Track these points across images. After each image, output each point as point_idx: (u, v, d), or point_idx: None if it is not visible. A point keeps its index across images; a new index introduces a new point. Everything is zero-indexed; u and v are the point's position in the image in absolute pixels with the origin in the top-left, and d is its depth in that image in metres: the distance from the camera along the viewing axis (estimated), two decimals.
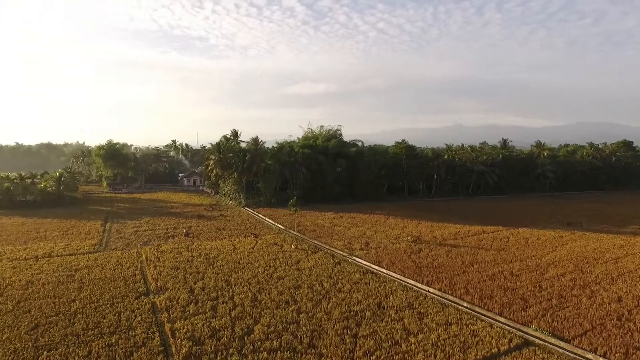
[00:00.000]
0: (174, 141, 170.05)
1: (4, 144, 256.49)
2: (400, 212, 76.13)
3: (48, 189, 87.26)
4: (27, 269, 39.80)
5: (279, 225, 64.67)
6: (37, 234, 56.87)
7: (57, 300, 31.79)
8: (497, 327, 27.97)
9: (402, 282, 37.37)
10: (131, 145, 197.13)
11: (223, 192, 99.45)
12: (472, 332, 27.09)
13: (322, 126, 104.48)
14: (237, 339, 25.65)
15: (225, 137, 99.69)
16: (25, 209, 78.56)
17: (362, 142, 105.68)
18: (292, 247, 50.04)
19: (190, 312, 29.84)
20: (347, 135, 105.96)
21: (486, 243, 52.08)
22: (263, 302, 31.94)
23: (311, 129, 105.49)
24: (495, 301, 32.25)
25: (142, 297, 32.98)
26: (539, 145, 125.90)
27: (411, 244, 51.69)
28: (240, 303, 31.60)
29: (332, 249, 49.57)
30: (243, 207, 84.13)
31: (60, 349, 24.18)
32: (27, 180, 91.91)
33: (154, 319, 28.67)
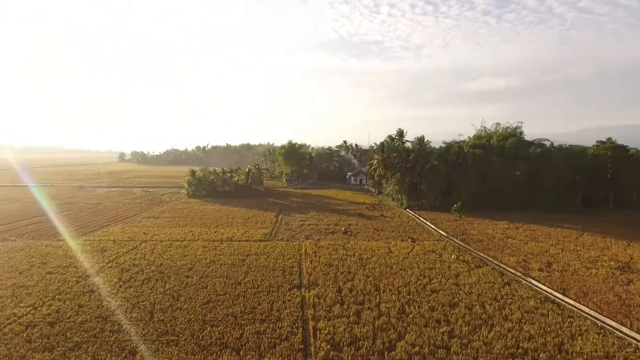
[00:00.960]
0: (345, 142, 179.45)
1: (217, 144, 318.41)
2: (600, 229, 60.56)
3: (240, 182, 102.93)
4: (212, 250, 46.80)
5: (440, 231, 59.68)
6: (226, 220, 67.08)
7: (227, 280, 35.97)
8: None
9: (597, 321, 28.70)
10: (309, 146, 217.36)
11: (385, 192, 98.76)
12: None
13: (498, 123, 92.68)
14: (376, 353, 23.66)
15: (390, 136, 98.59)
16: (223, 198, 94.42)
17: (551, 142, 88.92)
18: (453, 257, 44.99)
19: (335, 313, 29.31)
20: (530, 134, 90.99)
21: None
22: (411, 315, 29.02)
23: (484, 127, 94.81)
24: None
25: (295, 289, 34.32)
26: None
27: (615, 271, 39.93)
28: (386, 312, 29.48)
29: (502, 265, 42.43)
30: (404, 209, 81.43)
31: (220, 327, 26.81)
32: (227, 174, 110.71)
33: (300, 314, 29.23)
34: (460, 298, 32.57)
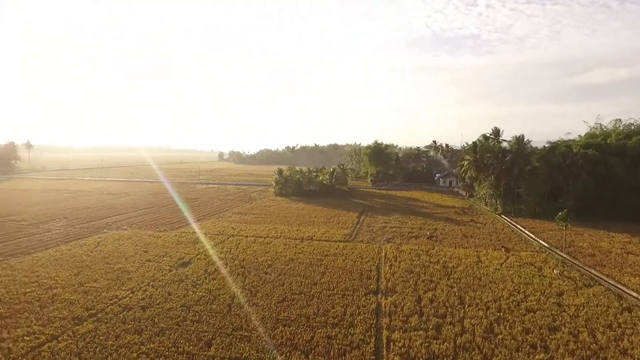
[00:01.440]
0: (434, 141, 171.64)
1: (306, 144, 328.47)
2: None
3: (324, 182, 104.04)
4: (292, 248, 47.46)
5: (540, 241, 52.99)
6: (308, 218, 67.97)
7: (303, 280, 35.93)
8: None
9: None
10: (396, 146, 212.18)
11: (477, 195, 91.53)
12: None
13: (619, 120, 79.86)
14: None
15: (484, 135, 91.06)
16: (307, 197, 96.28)
17: None
18: (555, 272, 39.37)
19: (412, 324, 27.27)
20: None
21: None
22: (500, 336, 25.73)
23: (600, 125, 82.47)
24: None
25: (371, 295, 32.91)
26: None
27: None
28: (470, 330, 26.59)
29: (620, 286, 35.90)
30: (498, 215, 74.37)
31: (292, 327, 26.64)
32: (312, 173, 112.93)
33: (374, 322, 27.77)
34: (562, 321, 28.11)
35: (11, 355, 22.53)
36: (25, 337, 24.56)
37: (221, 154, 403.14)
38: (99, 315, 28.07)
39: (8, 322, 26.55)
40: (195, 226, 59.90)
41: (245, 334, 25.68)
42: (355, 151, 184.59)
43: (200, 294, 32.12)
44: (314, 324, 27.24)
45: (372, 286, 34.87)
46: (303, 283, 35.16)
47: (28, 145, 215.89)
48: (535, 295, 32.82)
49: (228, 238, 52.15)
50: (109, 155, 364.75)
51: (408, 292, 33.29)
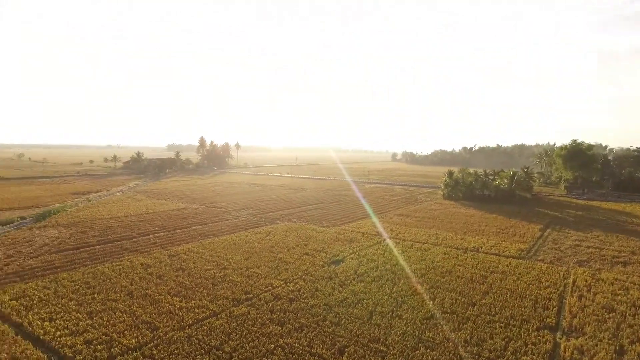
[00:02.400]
0: None
1: (485, 145, 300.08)
2: None
3: (501, 186, 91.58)
4: (452, 258, 42.54)
5: None
6: (477, 226, 60.45)
7: (459, 297, 31.31)
8: None
9: None
10: (605, 146, 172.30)
11: None
12: None
13: None
14: None
15: None
16: (480, 202, 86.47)
17: None
18: None
19: None
20: None
21: None
22: None
23: None
24: None
25: (546, 330, 26.13)
26: None
27: None
28: None
29: None
30: None
31: (435, 352, 23.09)
32: (489, 177, 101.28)
33: None
34: None
35: (182, 323, 26.31)
36: (195, 309, 28.44)
37: (394, 155, 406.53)
38: (254, 300, 30.43)
39: (187, 294, 31.41)
40: (355, 225, 60.63)
41: (382, 348, 23.54)
42: (547, 152, 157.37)
43: (345, 294, 31.49)
44: (463, 353, 23.02)
45: (549, 320, 27.75)
46: (458, 301, 30.65)
47: (237, 146, 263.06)
48: None
49: (384, 240, 50.63)
50: (300, 155, 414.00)
51: (604, 338, 25.07)
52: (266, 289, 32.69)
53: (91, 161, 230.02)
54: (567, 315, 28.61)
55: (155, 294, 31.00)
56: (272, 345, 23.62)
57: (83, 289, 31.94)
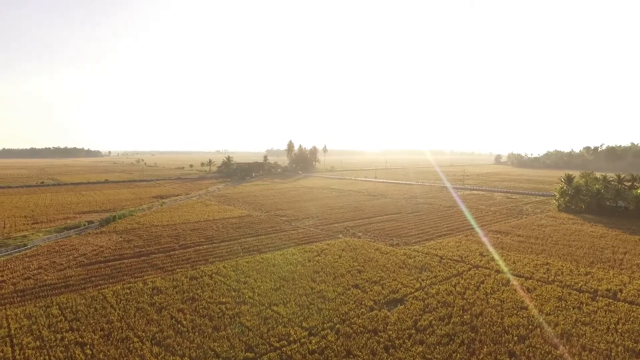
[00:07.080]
0: None
1: (615, 144, 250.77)
2: None
3: None
4: (573, 310, 28.26)
5: None
6: (612, 255, 43.22)
7: None
8: None
9: None
10: None
11: None
12: None
13: None
14: None
15: None
16: (612, 217, 65.89)
17: None
18: None
19: None
20: None
21: None
22: None
23: None
24: None
25: None
26: None
27: None
28: None
29: None
30: None
31: None
32: (624, 183, 78.42)
33: None
34: None
35: None
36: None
37: (498, 157, 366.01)
38: (262, 358, 21.40)
39: (173, 343, 23.59)
40: (434, 243, 48.04)
41: None
42: None
43: None
44: None
45: None
46: None
47: (324, 149, 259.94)
48: None
49: (469, 270, 37.61)
50: (394, 158, 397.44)
51: None
52: (279, 343, 23.36)
53: (191, 165, 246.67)
54: None
55: (135, 339, 23.78)
56: None
57: (57, 323, 26.23)
